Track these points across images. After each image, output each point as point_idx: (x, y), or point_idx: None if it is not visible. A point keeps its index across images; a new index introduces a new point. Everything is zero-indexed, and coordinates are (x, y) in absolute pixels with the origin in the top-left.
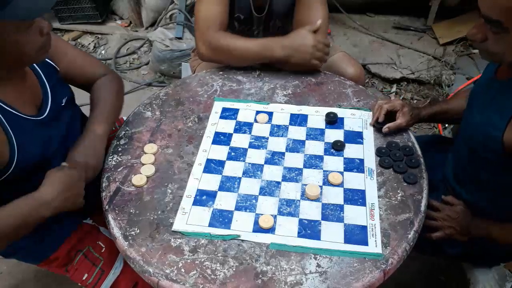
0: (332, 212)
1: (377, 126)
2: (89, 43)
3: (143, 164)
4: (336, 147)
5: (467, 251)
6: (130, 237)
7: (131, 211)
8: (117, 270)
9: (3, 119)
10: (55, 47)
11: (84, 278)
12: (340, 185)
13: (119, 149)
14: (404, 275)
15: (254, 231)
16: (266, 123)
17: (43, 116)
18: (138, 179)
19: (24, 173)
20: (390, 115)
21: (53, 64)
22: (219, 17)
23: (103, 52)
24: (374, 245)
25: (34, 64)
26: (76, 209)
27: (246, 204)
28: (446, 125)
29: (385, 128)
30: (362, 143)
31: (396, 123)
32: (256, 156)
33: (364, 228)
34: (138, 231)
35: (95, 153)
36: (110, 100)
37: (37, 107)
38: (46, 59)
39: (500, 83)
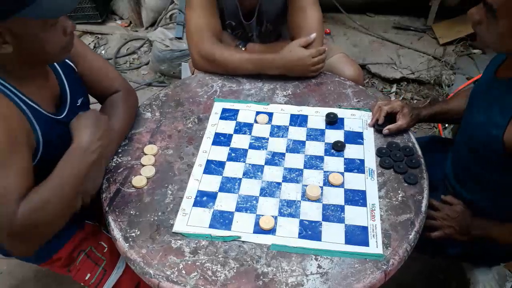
0: (332, 213)
1: (377, 127)
2: (89, 43)
3: (143, 165)
4: (337, 148)
5: (467, 251)
6: (130, 239)
7: (131, 212)
8: (120, 270)
9: (30, 114)
10: (75, 48)
11: (86, 278)
12: (341, 185)
13: (119, 150)
14: (405, 275)
15: (254, 232)
16: (266, 123)
17: (62, 116)
18: (138, 180)
19: (44, 170)
20: (390, 116)
21: (72, 64)
22: (211, 26)
23: (103, 52)
24: (375, 246)
25: (55, 63)
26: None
27: (247, 205)
28: (446, 125)
29: (385, 130)
30: (362, 143)
31: (397, 125)
32: (256, 157)
33: (365, 228)
34: (138, 233)
35: (94, 182)
36: (119, 124)
37: (56, 106)
38: (65, 59)
39: (500, 83)
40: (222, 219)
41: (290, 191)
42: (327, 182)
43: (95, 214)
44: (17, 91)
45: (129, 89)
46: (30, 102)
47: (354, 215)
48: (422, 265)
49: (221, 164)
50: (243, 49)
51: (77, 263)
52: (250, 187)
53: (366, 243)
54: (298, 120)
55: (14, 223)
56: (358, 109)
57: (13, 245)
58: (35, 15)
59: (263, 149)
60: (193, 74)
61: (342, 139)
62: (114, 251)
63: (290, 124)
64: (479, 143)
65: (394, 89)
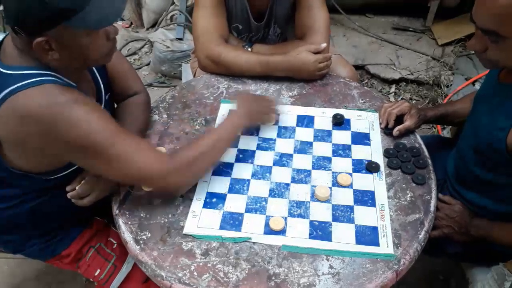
0: (342, 213)
1: (386, 131)
2: None
3: None
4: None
5: (466, 250)
6: (141, 241)
7: (142, 215)
8: (129, 265)
9: None
10: None
11: (96, 273)
12: (349, 186)
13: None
14: (405, 274)
15: (265, 233)
16: (273, 124)
17: None
18: None
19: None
20: (396, 117)
21: None
22: (218, 28)
23: None
24: (386, 246)
25: None
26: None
27: (256, 206)
28: (445, 126)
29: (396, 132)
30: (369, 144)
31: (405, 126)
32: (264, 158)
33: (375, 229)
34: (149, 235)
35: (104, 184)
36: (136, 128)
37: None
38: None
39: (503, 87)
40: (232, 220)
41: (299, 192)
42: (335, 183)
43: (104, 210)
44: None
45: (147, 94)
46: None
47: (364, 215)
48: (421, 265)
49: (230, 166)
50: (249, 49)
51: (86, 259)
52: (259, 188)
53: (376, 243)
54: (305, 121)
55: (166, 166)
56: (364, 110)
57: (167, 181)
58: (80, 26)
59: (270, 150)
60: (194, 74)
61: (349, 140)
62: (123, 247)
63: (297, 125)
64: (484, 146)
65: (393, 89)
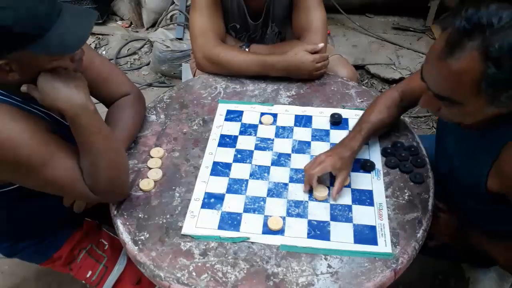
0: (340, 213)
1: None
2: (90, 44)
3: (150, 168)
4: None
5: (467, 250)
6: (140, 242)
7: (140, 215)
8: (121, 266)
9: (51, 122)
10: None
11: (88, 275)
12: (348, 185)
13: (126, 154)
14: (404, 274)
15: (263, 233)
16: (271, 124)
17: None
18: (146, 184)
19: None
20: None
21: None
22: (215, 29)
23: (104, 52)
24: (384, 245)
25: None
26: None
27: (255, 206)
28: None
29: (336, 196)
30: (367, 143)
31: (339, 185)
32: (262, 158)
33: (373, 228)
34: (147, 236)
35: None
36: (127, 128)
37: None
38: None
39: (468, 132)
40: (231, 220)
41: (297, 191)
42: (334, 182)
43: (94, 211)
44: (35, 105)
45: (137, 93)
46: (43, 109)
47: (362, 215)
48: (420, 264)
49: (228, 166)
50: (247, 49)
51: (78, 261)
52: (257, 188)
53: (375, 242)
54: (303, 121)
55: (92, 194)
56: (362, 109)
57: (104, 200)
58: (41, 52)
59: (268, 150)
60: (194, 74)
61: None
62: (115, 248)
63: (295, 125)
64: (462, 186)
65: None
